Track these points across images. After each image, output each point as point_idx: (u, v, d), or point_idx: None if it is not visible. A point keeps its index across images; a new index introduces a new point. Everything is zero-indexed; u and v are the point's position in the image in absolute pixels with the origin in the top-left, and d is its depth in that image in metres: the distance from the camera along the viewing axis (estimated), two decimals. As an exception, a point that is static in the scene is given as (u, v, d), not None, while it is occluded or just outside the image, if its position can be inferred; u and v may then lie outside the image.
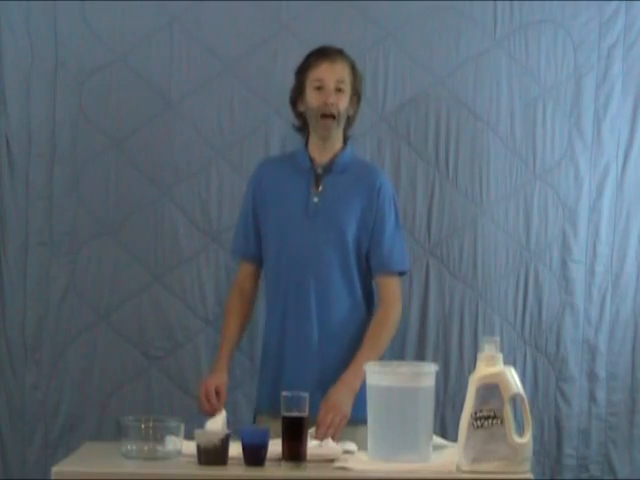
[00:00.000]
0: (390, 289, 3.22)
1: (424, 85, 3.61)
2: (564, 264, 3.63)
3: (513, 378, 2.58)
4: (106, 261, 3.59)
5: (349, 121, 3.26)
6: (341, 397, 3.03)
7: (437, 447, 2.75)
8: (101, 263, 3.59)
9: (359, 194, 3.21)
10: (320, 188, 3.21)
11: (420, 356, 3.57)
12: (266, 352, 3.26)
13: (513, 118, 3.64)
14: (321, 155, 3.23)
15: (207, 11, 3.60)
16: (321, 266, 3.17)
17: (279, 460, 2.62)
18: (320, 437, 2.88)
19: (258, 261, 3.29)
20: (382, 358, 3.15)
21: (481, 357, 2.60)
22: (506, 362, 2.61)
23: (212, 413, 3.03)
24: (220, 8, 3.59)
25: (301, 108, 3.25)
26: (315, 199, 3.20)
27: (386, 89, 3.61)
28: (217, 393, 3.11)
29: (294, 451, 2.60)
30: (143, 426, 2.67)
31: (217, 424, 2.92)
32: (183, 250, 3.60)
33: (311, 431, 2.87)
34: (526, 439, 2.57)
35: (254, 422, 3.24)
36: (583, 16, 3.64)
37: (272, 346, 3.23)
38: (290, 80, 3.52)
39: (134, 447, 2.66)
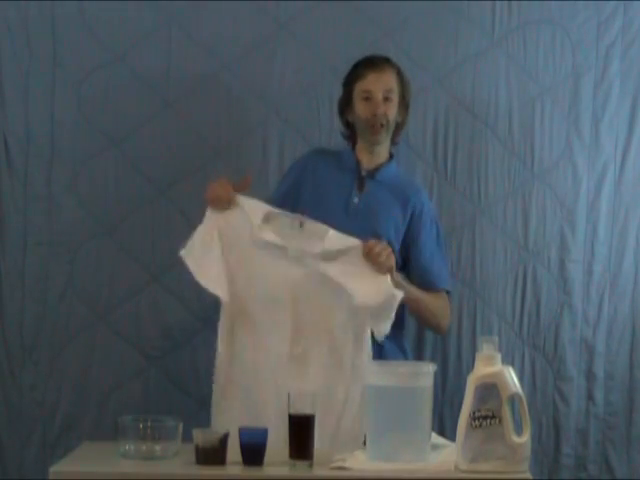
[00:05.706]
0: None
1: (422, 85, 3.61)
2: (562, 264, 3.63)
3: (511, 378, 2.58)
4: (104, 261, 3.59)
5: (398, 128, 3.30)
6: None
7: (436, 446, 2.74)
8: (99, 263, 3.59)
9: (396, 206, 3.24)
10: (362, 190, 3.25)
11: (418, 356, 3.57)
12: None
13: (511, 118, 3.63)
14: (368, 160, 3.28)
15: (205, 11, 3.60)
16: None
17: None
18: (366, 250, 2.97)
19: None
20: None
21: (479, 357, 2.60)
22: (504, 362, 2.61)
23: (227, 201, 3.06)
24: (218, 8, 3.59)
25: (349, 118, 3.29)
26: (355, 199, 3.24)
27: (385, 89, 3.61)
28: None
29: (301, 450, 2.59)
30: (141, 426, 2.67)
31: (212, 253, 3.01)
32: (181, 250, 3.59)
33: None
34: (524, 439, 2.57)
35: None
36: (581, 16, 3.64)
37: None
38: (288, 80, 3.54)
39: (132, 447, 2.65)
